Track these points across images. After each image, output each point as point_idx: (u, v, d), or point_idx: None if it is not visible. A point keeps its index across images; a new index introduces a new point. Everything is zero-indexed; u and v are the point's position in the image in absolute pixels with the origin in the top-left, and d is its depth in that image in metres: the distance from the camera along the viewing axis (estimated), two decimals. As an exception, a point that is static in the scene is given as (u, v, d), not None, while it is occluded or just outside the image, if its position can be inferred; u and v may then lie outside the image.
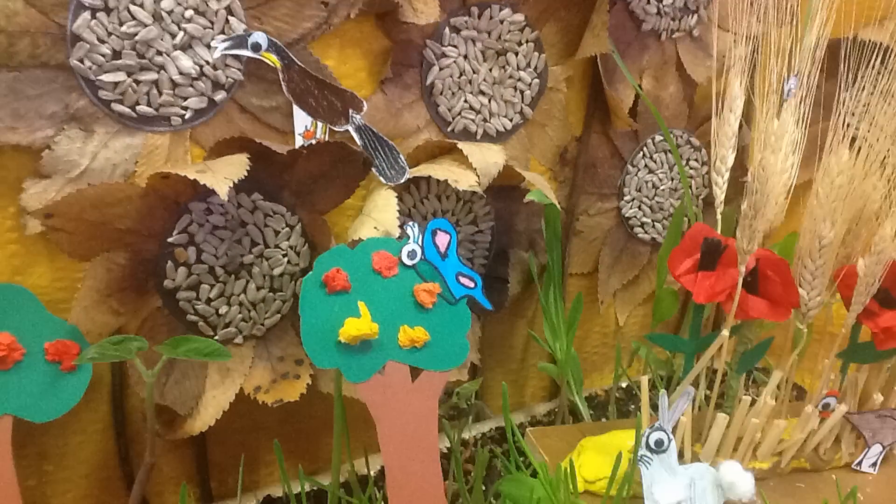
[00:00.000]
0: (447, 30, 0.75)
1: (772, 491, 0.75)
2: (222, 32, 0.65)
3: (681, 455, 0.75)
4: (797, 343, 0.74)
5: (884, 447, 0.79)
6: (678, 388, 0.70)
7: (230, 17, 0.65)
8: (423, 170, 0.73)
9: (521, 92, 0.82)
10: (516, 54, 0.80)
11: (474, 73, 0.78)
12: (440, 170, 0.72)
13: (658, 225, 0.96)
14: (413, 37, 0.74)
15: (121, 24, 0.60)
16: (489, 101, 0.80)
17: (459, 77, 0.77)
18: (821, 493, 0.76)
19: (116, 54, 0.61)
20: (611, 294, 0.97)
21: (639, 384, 0.75)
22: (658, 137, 0.92)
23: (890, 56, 0.69)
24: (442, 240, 0.66)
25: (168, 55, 0.63)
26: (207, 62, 0.65)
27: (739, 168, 0.87)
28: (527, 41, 0.80)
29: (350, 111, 0.71)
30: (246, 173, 0.63)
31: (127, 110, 0.63)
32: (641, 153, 0.92)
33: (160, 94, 0.64)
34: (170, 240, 0.66)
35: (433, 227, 0.66)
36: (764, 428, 0.75)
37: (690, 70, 0.90)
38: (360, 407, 0.62)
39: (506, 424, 0.68)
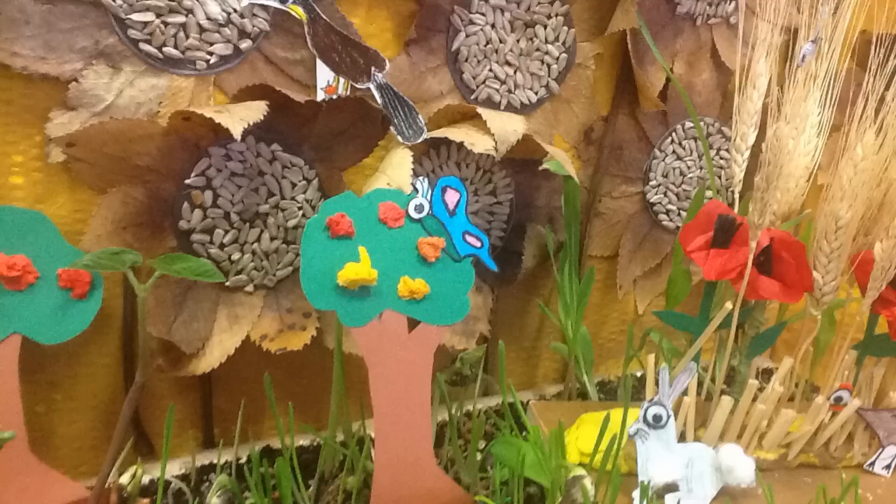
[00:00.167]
0: (476, -3, 0.76)
1: (776, 482, 0.73)
2: (251, -19, 0.67)
3: (683, 439, 0.74)
4: (811, 331, 0.72)
5: (899, 449, 0.76)
6: (680, 362, 0.69)
7: (260, -33, 0.67)
8: (441, 132, 0.73)
9: (549, 66, 0.82)
10: (545, 27, 0.80)
11: (501, 42, 0.78)
12: (458, 132, 0.73)
13: (684, 213, 0.95)
14: (441, 1, 0.74)
15: (152, -35, 0.63)
16: (515, 72, 0.80)
17: (486, 45, 0.78)
18: (828, 492, 0.73)
19: (147, -6, 0.63)
20: (631, 280, 0.96)
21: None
22: (688, 124, 0.91)
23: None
24: (451, 197, 0.67)
25: (197, 0, 0.65)
26: (235, 10, 0.67)
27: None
28: (556, 14, 0.80)
29: (373, 69, 0.72)
30: (266, 122, 0.65)
31: (154, 51, 0.65)
32: (670, 139, 0.91)
33: (187, 37, 0.66)
34: (187, 181, 0.68)
35: (443, 183, 0.66)
36: (772, 417, 0.73)
37: (725, 57, 0.89)
38: (363, 370, 0.63)
39: (500, 386, 0.68)
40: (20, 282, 0.61)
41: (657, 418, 0.67)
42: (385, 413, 0.61)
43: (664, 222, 0.95)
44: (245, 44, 0.68)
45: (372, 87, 0.72)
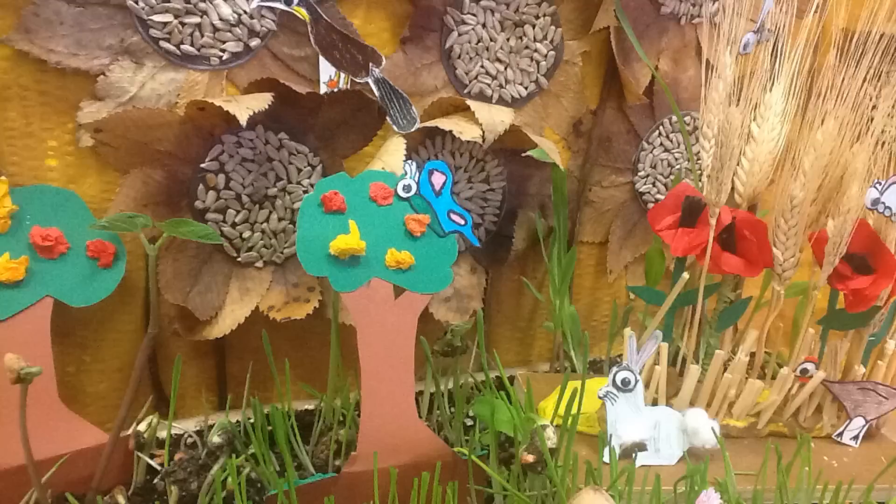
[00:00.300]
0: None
1: (744, 448, 0.78)
2: (260, -14, 0.74)
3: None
4: (782, 308, 0.77)
5: (867, 421, 0.80)
6: (647, 331, 0.75)
7: (267, -27, 0.74)
8: (433, 122, 0.80)
9: (538, 62, 0.88)
10: (533, 26, 0.86)
11: (492, 40, 0.85)
12: (448, 122, 0.79)
13: (672, 203, 1.00)
14: (434, 3, 0.81)
15: (170, -28, 0.71)
16: (505, 68, 0.87)
17: (477, 43, 0.85)
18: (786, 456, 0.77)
19: (166, -2, 0.71)
20: (622, 266, 1.01)
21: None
22: (675, 118, 0.96)
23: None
24: (438, 179, 0.73)
25: (210, 2, 0.73)
26: (245, 11, 0.74)
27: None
28: (544, 15, 0.86)
29: (370, 65, 0.79)
30: (274, 113, 0.73)
31: (173, 48, 0.73)
32: (657, 132, 0.96)
33: (202, 35, 0.73)
34: (202, 165, 0.76)
35: (430, 167, 0.73)
36: (740, 387, 0.78)
37: (709, 55, 0.94)
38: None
39: (480, 349, 0.74)
40: (53, 251, 0.69)
41: (626, 382, 0.72)
42: (371, 370, 0.67)
43: (654, 211, 1.00)
44: (254, 42, 0.76)
45: (370, 81, 0.79)
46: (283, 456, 0.67)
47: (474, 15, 0.83)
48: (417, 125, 0.79)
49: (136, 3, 0.70)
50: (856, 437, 0.81)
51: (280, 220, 0.81)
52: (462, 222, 0.73)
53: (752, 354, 0.79)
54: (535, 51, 0.87)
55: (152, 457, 0.71)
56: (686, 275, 0.72)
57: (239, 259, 0.80)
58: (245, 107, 0.69)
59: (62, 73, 0.69)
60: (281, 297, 0.82)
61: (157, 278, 0.76)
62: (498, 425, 0.67)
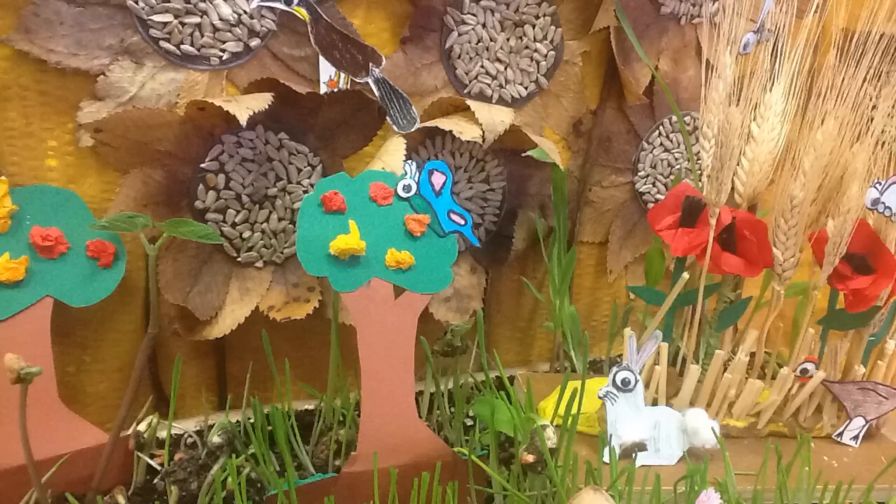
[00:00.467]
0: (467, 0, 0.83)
1: (744, 448, 0.78)
2: (260, -14, 0.74)
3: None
4: (783, 309, 0.77)
5: (867, 421, 0.80)
6: (646, 332, 0.75)
7: (267, -27, 0.74)
8: (433, 122, 0.80)
9: (538, 62, 0.88)
10: (533, 26, 0.86)
11: (492, 40, 0.85)
12: (447, 122, 0.79)
13: (672, 203, 1.00)
14: (434, 3, 0.81)
15: (170, -28, 0.71)
16: (505, 68, 0.87)
17: (477, 43, 0.85)
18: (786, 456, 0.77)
19: (166, -2, 0.71)
20: (622, 266, 1.01)
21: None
22: (675, 118, 0.96)
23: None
24: (437, 179, 0.73)
25: (210, 2, 0.73)
26: (245, 11, 0.74)
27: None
28: (544, 15, 0.86)
29: (370, 65, 0.79)
30: (274, 113, 0.73)
31: (172, 48, 0.73)
32: (657, 132, 0.96)
33: (202, 35, 0.73)
34: (202, 165, 0.76)
35: (430, 167, 0.73)
36: (740, 387, 0.78)
37: (709, 55, 0.94)
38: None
39: (481, 349, 0.74)
40: (53, 251, 0.69)
41: (625, 382, 0.72)
42: (371, 370, 0.67)
43: (654, 211, 1.00)
44: (254, 42, 0.76)
45: (370, 81, 0.79)
46: (283, 456, 0.67)
47: (474, 15, 0.83)
48: (417, 125, 0.79)
49: (136, 3, 0.70)
50: (856, 438, 0.81)
51: (280, 220, 0.81)
52: (462, 222, 0.73)
53: (753, 354, 0.79)
54: (535, 51, 0.87)
55: (152, 457, 0.71)
56: (686, 275, 0.72)
57: (239, 259, 0.80)
58: (245, 107, 0.69)
59: (62, 73, 0.69)
60: (281, 297, 0.82)
61: (158, 278, 0.76)
62: (498, 425, 0.67)
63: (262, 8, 0.75)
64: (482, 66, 0.86)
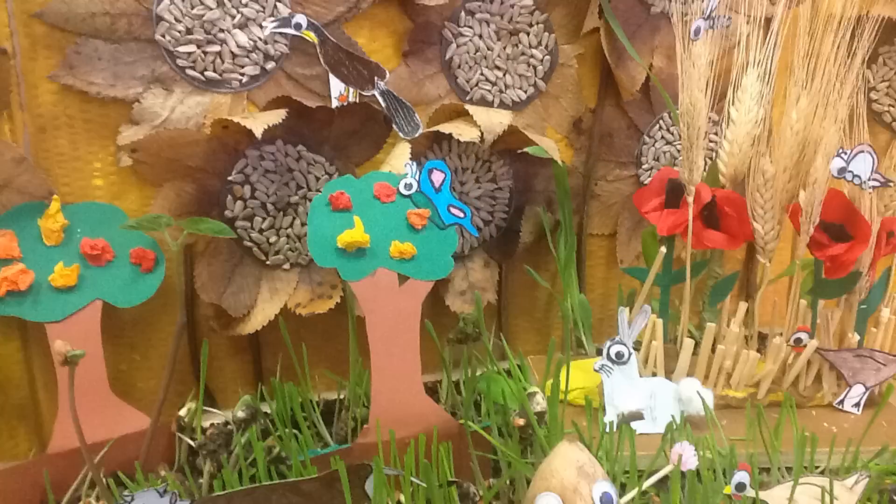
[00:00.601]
0: (463, 13, 0.89)
1: (743, 417, 0.82)
2: (271, 15, 0.83)
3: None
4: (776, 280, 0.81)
5: (867, 388, 0.83)
6: (635, 306, 0.79)
7: (278, 3, 0.83)
8: (435, 127, 0.87)
9: (535, 67, 0.94)
10: (528, 34, 0.93)
11: (489, 50, 0.92)
12: (448, 126, 0.86)
13: (678, 193, 1.04)
14: (432, 18, 0.89)
15: (192, 8, 0.80)
16: (504, 74, 0.93)
17: (475, 53, 0.92)
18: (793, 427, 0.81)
19: (189, 31, 0.80)
20: (632, 256, 1.05)
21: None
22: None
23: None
24: (437, 177, 0.80)
25: (228, 32, 0.82)
26: (260, 38, 0.83)
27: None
28: (537, 23, 0.93)
29: (375, 78, 0.86)
30: (292, 128, 0.82)
31: (198, 75, 0.82)
32: (658, 126, 1.01)
33: (223, 62, 0.83)
34: (229, 178, 0.84)
35: (430, 166, 0.80)
36: (736, 358, 0.82)
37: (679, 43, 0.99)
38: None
39: (481, 328, 0.80)
40: (100, 259, 0.79)
41: (619, 355, 0.77)
42: (380, 351, 0.74)
43: (661, 202, 1.04)
44: (270, 65, 0.85)
45: (376, 93, 0.87)
46: (301, 428, 0.74)
47: (470, 27, 0.90)
48: (421, 131, 0.87)
49: (164, 36, 0.79)
50: (857, 405, 0.84)
51: (303, 224, 0.89)
52: (461, 215, 0.80)
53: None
54: (532, 56, 0.94)
55: (193, 439, 0.79)
56: (664, 248, 0.77)
57: (268, 262, 0.88)
58: (261, 121, 0.78)
59: (103, 103, 0.79)
60: (307, 294, 0.89)
61: (194, 280, 0.84)
62: (495, 396, 0.73)
63: (275, 34, 0.84)
64: (482, 74, 0.92)
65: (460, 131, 0.85)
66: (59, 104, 0.78)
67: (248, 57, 0.83)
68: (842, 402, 0.84)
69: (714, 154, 1.05)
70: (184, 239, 0.74)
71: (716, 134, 1.05)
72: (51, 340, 0.74)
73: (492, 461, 0.74)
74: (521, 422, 0.67)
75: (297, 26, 0.83)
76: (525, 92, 0.95)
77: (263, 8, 0.83)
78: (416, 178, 0.79)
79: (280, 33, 0.84)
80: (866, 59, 0.76)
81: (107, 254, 0.79)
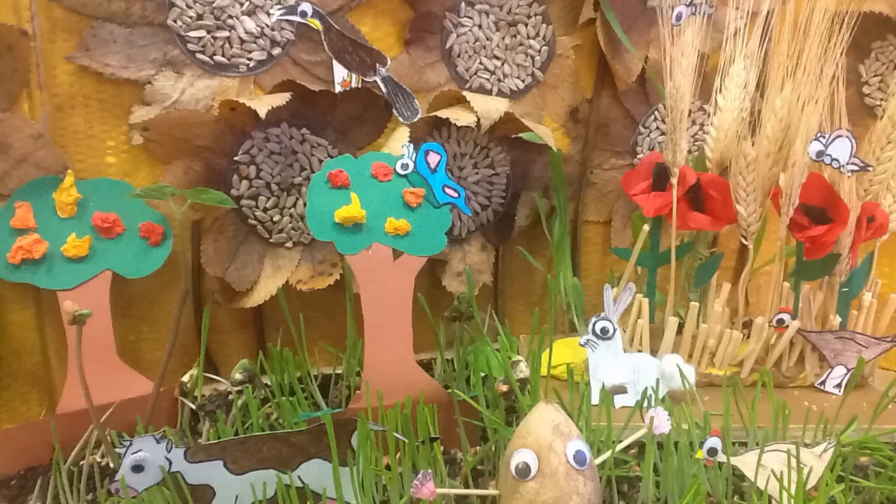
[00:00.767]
0: (463, 4, 0.93)
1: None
2: (278, 2, 0.87)
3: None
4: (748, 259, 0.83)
5: (848, 369, 0.85)
6: (620, 284, 0.82)
7: (284, -9, 0.87)
8: (434, 112, 0.91)
9: (532, 57, 0.98)
10: (526, 25, 0.96)
11: (488, 40, 0.95)
12: (446, 112, 0.90)
13: (673, 183, 1.07)
14: (433, 8, 0.92)
15: (202, -6, 0.84)
16: (502, 64, 0.97)
17: (475, 43, 0.95)
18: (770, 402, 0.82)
19: (199, 17, 0.84)
20: (627, 243, 1.08)
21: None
22: (670, 102, 1.03)
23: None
24: (433, 158, 0.83)
25: (237, 18, 0.86)
26: (267, 24, 0.87)
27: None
28: (535, 14, 0.96)
29: (377, 65, 0.90)
30: (296, 111, 0.86)
31: (207, 59, 0.86)
32: (653, 116, 1.04)
33: (231, 47, 0.87)
34: (236, 158, 0.88)
35: (426, 148, 0.83)
36: (719, 337, 0.85)
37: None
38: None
39: (472, 303, 0.83)
40: (111, 232, 0.83)
41: (604, 331, 0.80)
42: (374, 322, 0.77)
43: (656, 191, 1.07)
44: (276, 50, 0.89)
45: (378, 79, 0.91)
46: (296, 392, 0.77)
47: (470, 17, 0.94)
48: (420, 115, 0.90)
49: (175, 21, 0.84)
50: (839, 386, 0.86)
51: (305, 205, 0.93)
52: (455, 195, 0.83)
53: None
54: (530, 47, 0.97)
55: (195, 403, 0.83)
56: (647, 227, 0.80)
57: (271, 240, 0.92)
58: (265, 103, 0.82)
59: (116, 83, 0.84)
60: (308, 272, 0.93)
61: (200, 255, 0.88)
62: (481, 366, 0.76)
63: (282, 21, 0.88)
64: (481, 63, 0.96)
65: (458, 116, 0.88)
66: (76, 84, 0.83)
67: (255, 43, 0.87)
68: (823, 382, 0.86)
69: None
70: (186, 208, 0.78)
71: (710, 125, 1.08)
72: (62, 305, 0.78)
73: (479, 430, 0.78)
74: (505, 388, 0.70)
75: (303, 14, 0.87)
76: (523, 81, 0.98)
77: (271, -4, 0.87)
78: (413, 158, 0.83)
79: (286, 20, 0.88)
80: (855, 53, 0.79)
81: (117, 227, 0.83)
